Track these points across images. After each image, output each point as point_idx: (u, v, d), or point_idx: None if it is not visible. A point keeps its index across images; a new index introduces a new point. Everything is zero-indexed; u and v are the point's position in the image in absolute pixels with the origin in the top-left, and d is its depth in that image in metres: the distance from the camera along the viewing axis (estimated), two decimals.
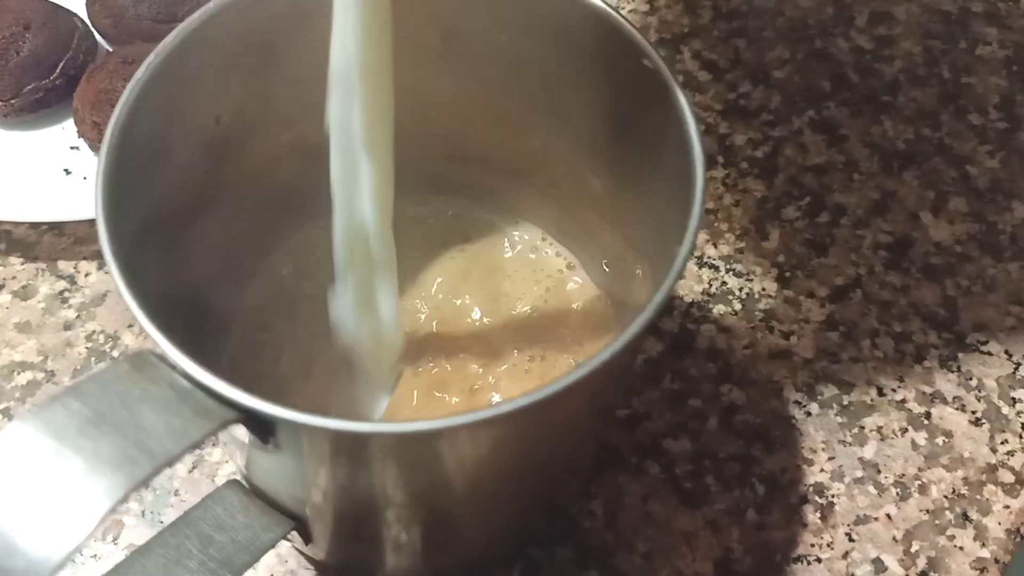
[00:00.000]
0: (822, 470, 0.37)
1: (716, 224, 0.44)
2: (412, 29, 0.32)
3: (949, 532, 0.36)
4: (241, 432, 0.24)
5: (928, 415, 0.39)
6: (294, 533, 0.30)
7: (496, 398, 0.33)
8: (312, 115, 0.28)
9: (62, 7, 0.46)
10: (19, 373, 0.40)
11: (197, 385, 0.22)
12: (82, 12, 0.47)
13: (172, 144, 0.29)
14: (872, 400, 0.39)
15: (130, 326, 0.41)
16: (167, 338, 0.22)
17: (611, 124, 0.32)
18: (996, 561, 0.35)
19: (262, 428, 0.23)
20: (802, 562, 0.35)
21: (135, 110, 0.27)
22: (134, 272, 0.24)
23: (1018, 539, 0.36)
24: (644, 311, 0.23)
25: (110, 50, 0.46)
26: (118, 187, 0.26)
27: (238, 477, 0.30)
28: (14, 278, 0.42)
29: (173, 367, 0.22)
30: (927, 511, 0.37)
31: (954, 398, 0.39)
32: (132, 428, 0.21)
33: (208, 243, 0.32)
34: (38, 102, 0.44)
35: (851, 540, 0.36)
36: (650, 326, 0.24)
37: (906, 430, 0.38)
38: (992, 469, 0.38)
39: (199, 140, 0.31)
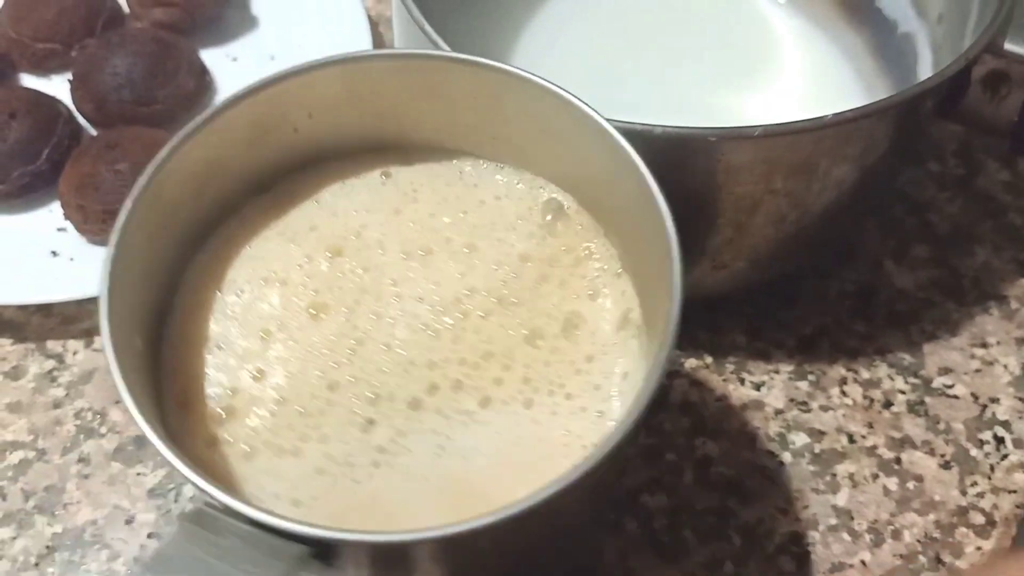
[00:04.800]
0: (797, 519, 0.38)
1: None
2: None
3: None
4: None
5: (898, 460, 0.40)
6: None
7: None
8: None
9: (46, 94, 0.47)
10: (11, 452, 0.41)
11: (260, 527, 0.22)
12: (66, 98, 0.48)
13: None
14: (843, 447, 0.40)
15: (117, 402, 0.42)
16: (214, 485, 0.23)
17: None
18: None
19: (330, 554, 0.23)
20: None
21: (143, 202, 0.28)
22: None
23: None
24: (617, 429, 0.24)
25: (94, 134, 0.48)
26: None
27: None
28: (4, 359, 0.43)
29: (234, 515, 0.22)
30: (901, 556, 0.37)
31: (923, 442, 0.40)
32: None
33: None
34: (25, 187, 0.46)
35: None
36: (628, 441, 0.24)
37: (877, 476, 0.39)
38: (963, 511, 0.38)
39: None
